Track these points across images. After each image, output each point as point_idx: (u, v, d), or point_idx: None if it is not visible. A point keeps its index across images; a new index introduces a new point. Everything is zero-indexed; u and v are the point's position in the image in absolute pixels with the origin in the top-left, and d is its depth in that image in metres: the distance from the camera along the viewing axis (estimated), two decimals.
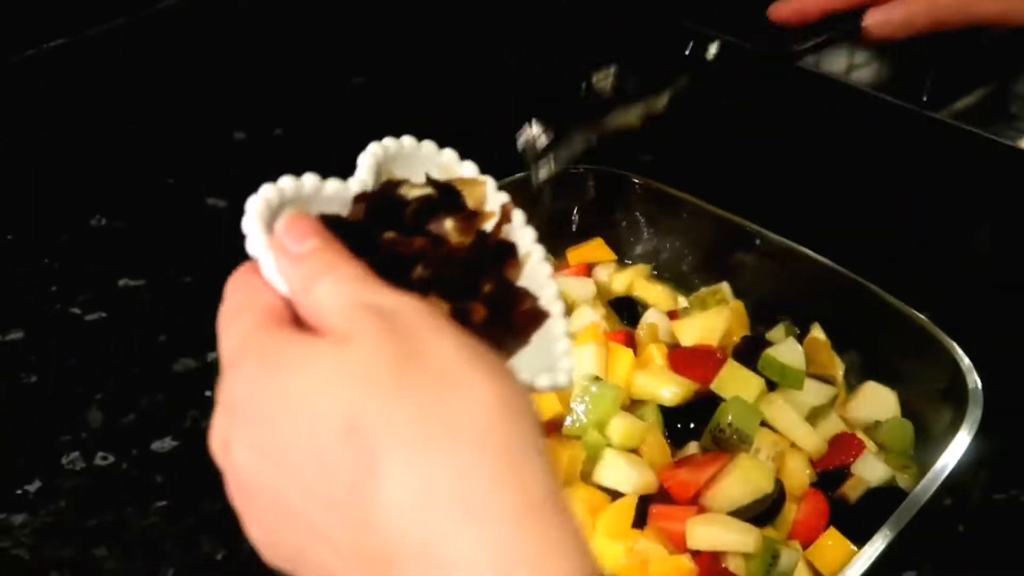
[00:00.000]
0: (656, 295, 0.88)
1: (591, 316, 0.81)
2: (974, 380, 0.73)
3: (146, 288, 1.04)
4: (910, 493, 0.67)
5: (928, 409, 0.78)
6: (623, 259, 0.94)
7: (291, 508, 0.37)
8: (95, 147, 1.21)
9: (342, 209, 0.44)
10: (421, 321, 0.37)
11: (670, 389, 0.76)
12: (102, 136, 1.22)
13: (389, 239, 0.42)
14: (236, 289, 0.42)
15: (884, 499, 0.70)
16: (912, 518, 0.66)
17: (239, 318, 0.41)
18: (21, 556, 0.79)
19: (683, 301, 0.90)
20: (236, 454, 0.39)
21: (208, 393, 0.92)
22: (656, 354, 0.79)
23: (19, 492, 0.84)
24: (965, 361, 0.74)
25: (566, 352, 0.42)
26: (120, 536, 0.81)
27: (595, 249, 0.92)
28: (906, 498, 0.67)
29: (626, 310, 0.86)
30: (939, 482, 0.68)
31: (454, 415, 0.34)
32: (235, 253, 1.07)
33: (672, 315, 0.86)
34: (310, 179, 0.43)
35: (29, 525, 0.82)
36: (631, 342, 0.81)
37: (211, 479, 0.84)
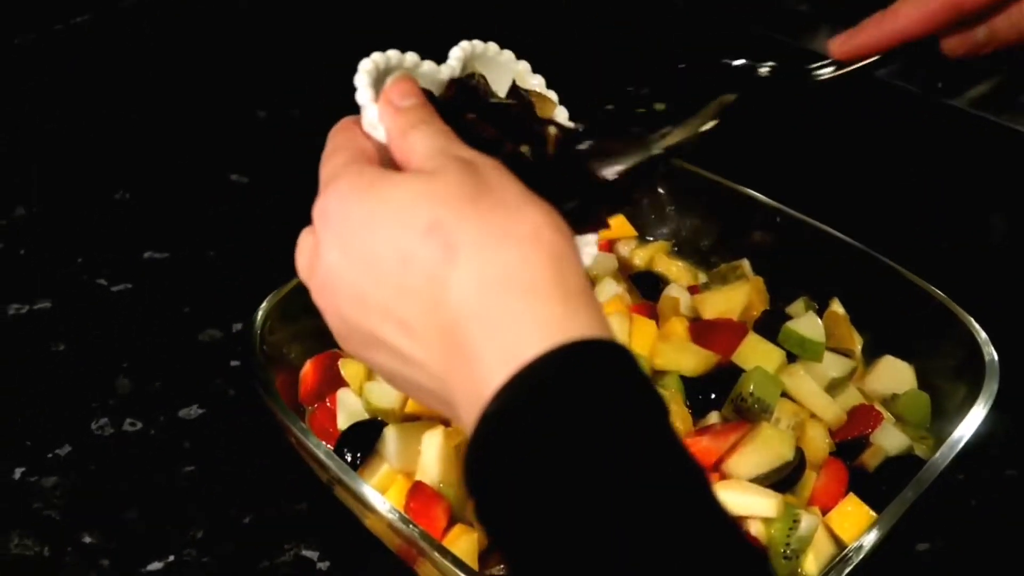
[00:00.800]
0: (676, 270, 0.89)
1: (614, 288, 0.83)
2: (991, 353, 0.74)
3: (170, 261, 1.06)
4: (928, 461, 0.68)
5: (945, 383, 0.79)
6: (644, 236, 0.95)
7: (370, 299, 0.44)
8: (120, 123, 1.23)
9: (432, 88, 0.51)
10: (494, 170, 0.45)
11: (692, 360, 0.77)
12: (127, 113, 1.23)
13: (471, 119, 0.50)
14: (338, 134, 0.50)
15: (903, 467, 0.71)
16: (930, 485, 0.67)
17: (338, 154, 0.48)
18: (53, 517, 0.81)
19: (703, 277, 0.91)
20: (325, 256, 0.46)
21: (233, 363, 0.94)
22: (678, 326, 0.81)
23: (50, 456, 0.85)
24: (982, 335, 0.75)
25: (594, 241, 0.50)
26: (149, 499, 0.82)
27: (617, 225, 0.93)
28: (924, 465, 0.68)
29: (647, 284, 0.88)
30: (956, 451, 0.69)
31: (515, 225, 0.42)
32: (257, 227, 1.09)
33: (692, 290, 0.87)
34: (411, 54, 0.51)
35: (60, 487, 0.83)
36: (653, 315, 0.82)
37: (237, 446, 0.87)
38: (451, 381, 0.42)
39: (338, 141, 0.50)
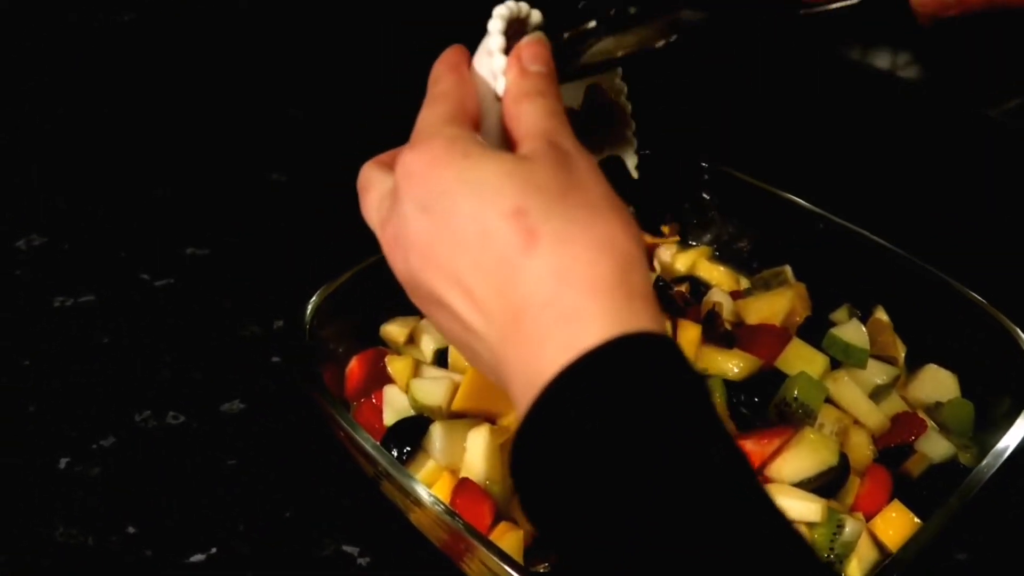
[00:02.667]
0: (718, 275, 0.90)
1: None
2: None
3: (211, 257, 1.06)
4: (974, 469, 0.68)
5: (988, 392, 0.79)
6: (686, 241, 0.96)
7: (440, 259, 0.45)
8: (162, 122, 1.24)
9: None
10: (588, 168, 0.46)
11: (737, 364, 0.78)
12: (169, 111, 1.24)
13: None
14: (446, 73, 0.51)
15: (948, 475, 0.72)
16: (975, 493, 0.67)
17: (439, 103, 0.49)
18: (97, 507, 0.82)
19: (744, 282, 0.91)
20: (403, 209, 0.46)
21: (275, 359, 0.95)
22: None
23: (94, 447, 0.86)
24: None
25: (635, 165, 0.56)
26: (191, 491, 0.83)
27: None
28: (970, 473, 0.68)
29: (690, 289, 0.88)
30: (1003, 459, 0.69)
31: (595, 227, 0.43)
32: (296, 226, 1.10)
33: (734, 295, 0.88)
34: (536, 13, 0.52)
35: (104, 478, 0.84)
36: (697, 319, 0.82)
37: (278, 441, 0.87)
38: (509, 360, 0.43)
39: (445, 85, 0.50)
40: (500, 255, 0.43)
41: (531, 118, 0.48)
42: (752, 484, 0.40)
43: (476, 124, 0.49)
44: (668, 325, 0.79)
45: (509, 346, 0.43)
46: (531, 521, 0.42)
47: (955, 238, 0.99)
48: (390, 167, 0.50)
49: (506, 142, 0.49)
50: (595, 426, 0.39)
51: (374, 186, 0.50)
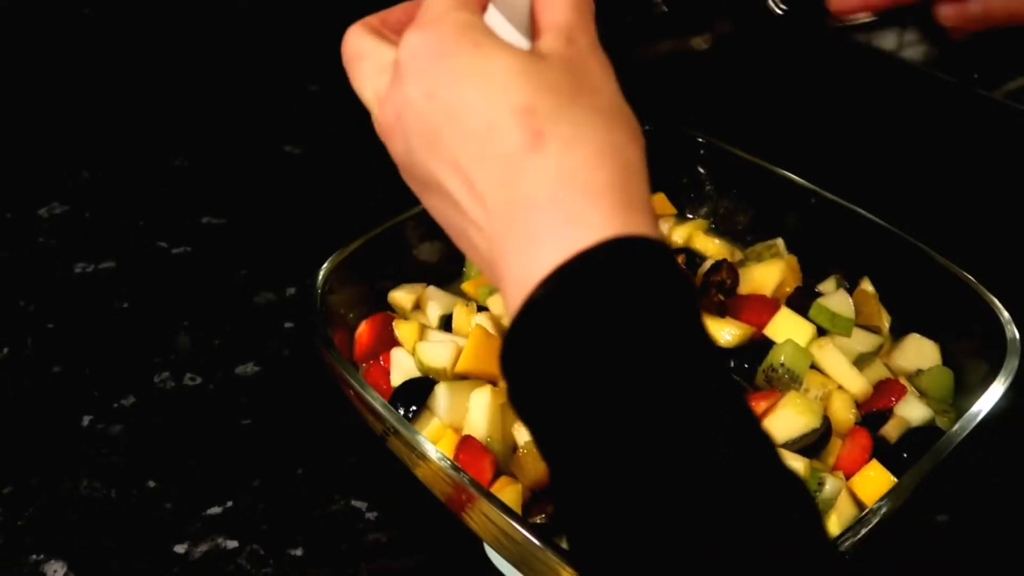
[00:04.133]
0: (714, 248, 0.93)
1: None
2: (1012, 332, 0.77)
3: (227, 226, 1.10)
4: (946, 432, 0.72)
5: (968, 360, 0.82)
6: (683, 214, 0.99)
7: (443, 146, 0.45)
8: (179, 94, 1.27)
9: None
10: (602, 71, 0.46)
11: (730, 332, 0.81)
12: (187, 84, 1.27)
13: None
14: None
15: (924, 437, 0.75)
16: (948, 455, 0.70)
17: None
18: (118, 463, 0.86)
19: (739, 254, 0.94)
20: (406, 88, 0.45)
21: (287, 325, 0.99)
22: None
23: (115, 406, 0.90)
24: (1005, 314, 0.78)
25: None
26: (208, 448, 0.87)
27: (657, 204, 0.97)
28: (943, 435, 0.71)
29: (686, 261, 0.91)
30: (975, 423, 0.72)
31: (603, 133, 0.43)
32: (309, 196, 1.14)
33: None
34: None
35: (125, 435, 0.88)
36: None
37: (291, 402, 0.91)
38: (503, 253, 0.43)
39: None
40: (504, 151, 0.43)
41: (559, 6, 0.46)
42: (728, 385, 0.41)
43: (484, 6, 0.48)
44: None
45: (506, 241, 0.43)
46: (520, 417, 0.43)
47: (940, 213, 1.02)
48: (381, 35, 0.50)
49: (527, 27, 0.48)
50: (585, 324, 0.40)
51: (368, 57, 0.49)
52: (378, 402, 0.70)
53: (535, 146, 0.42)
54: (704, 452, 0.39)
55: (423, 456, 0.67)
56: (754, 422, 0.41)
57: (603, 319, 0.40)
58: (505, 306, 0.43)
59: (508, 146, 0.43)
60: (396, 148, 0.48)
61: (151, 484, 0.84)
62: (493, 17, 0.47)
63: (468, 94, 0.44)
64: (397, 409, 0.76)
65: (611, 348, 0.39)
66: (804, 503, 0.41)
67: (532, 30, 0.47)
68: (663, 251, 0.42)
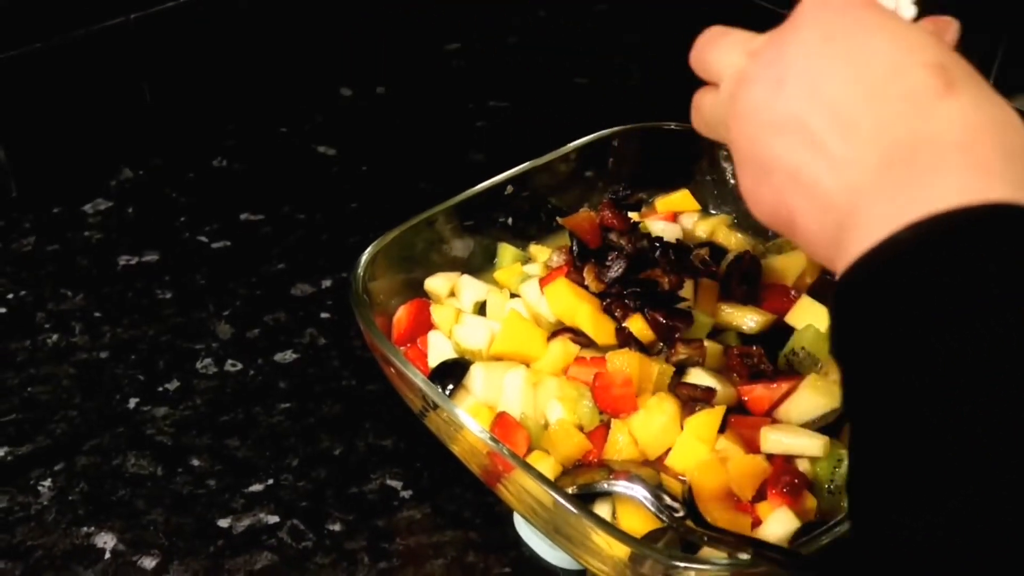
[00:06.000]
0: (737, 241, 0.96)
1: None
2: None
3: (264, 222, 1.14)
4: None
5: None
6: (707, 210, 1.02)
7: (824, 84, 0.45)
8: (218, 97, 1.31)
9: None
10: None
11: (752, 319, 0.84)
12: (225, 88, 1.32)
13: None
14: None
15: None
16: None
17: None
18: (164, 442, 0.89)
19: (761, 248, 0.97)
20: (804, 32, 0.46)
21: (324, 315, 1.02)
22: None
23: (160, 389, 0.94)
24: None
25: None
26: (249, 430, 0.91)
27: (681, 199, 1.00)
28: None
29: (710, 253, 0.94)
30: None
31: (1003, 105, 0.43)
32: (343, 195, 1.18)
33: None
34: None
35: (170, 417, 0.92)
36: (717, 278, 0.89)
37: (329, 387, 0.94)
38: (874, 189, 0.42)
39: None
40: (911, 90, 0.43)
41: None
42: None
43: None
44: (691, 284, 0.86)
45: (883, 175, 0.42)
46: (837, 358, 0.42)
47: None
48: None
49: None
50: (981, 271, 0.38)
51: (734, 33, 0.51)
52: (419, 378, 0.73)
53: (947, 92, 0.42)
54: None
55: (462, 429, 0.71)
56: None
57: (1001, 272, 0.38)
58: (845, 239, 0.42)
59: (917, 86, 0.43)
60: (754, 92, 0.48)
61: (195, 463, 0.88)
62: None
63: (875, 42, 0.44)
64: (436, 386, 0.79)
65: (994, 306, 0.37)
66: None
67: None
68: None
